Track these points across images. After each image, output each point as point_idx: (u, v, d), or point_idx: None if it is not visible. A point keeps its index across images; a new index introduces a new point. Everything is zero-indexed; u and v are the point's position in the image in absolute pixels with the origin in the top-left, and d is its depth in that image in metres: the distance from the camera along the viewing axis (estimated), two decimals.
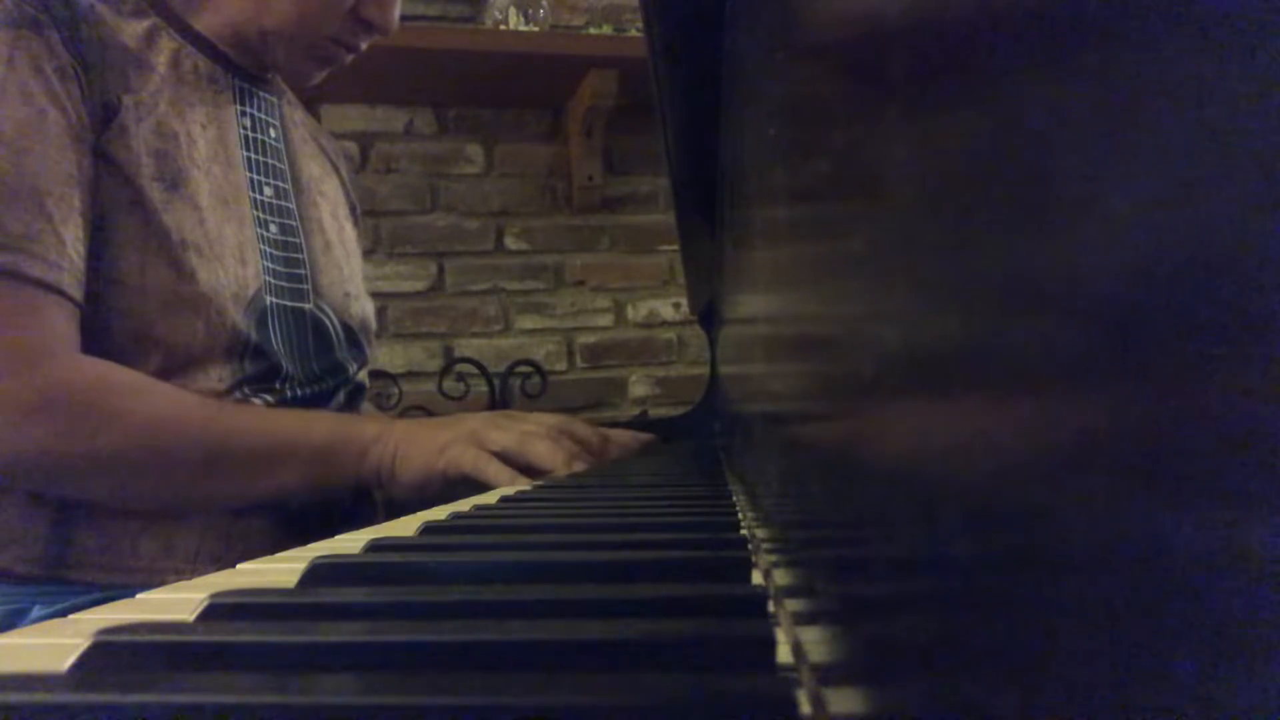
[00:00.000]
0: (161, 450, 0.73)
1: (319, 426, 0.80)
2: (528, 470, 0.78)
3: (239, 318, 0.80)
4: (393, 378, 1.72)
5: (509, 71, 1.64)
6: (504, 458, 0.78)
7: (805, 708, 0.19)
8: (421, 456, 0.79)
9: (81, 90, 0.75)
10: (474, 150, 1.81)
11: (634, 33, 1.75)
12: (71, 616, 0.29)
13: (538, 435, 0.80)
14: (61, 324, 0.72)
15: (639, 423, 1.64)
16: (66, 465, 0.71)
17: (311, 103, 1.61)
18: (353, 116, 1.75)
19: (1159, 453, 0.07)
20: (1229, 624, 0.06)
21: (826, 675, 0.19)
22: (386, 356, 1.72)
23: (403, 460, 0.79)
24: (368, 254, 1.67)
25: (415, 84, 1.68)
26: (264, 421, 0.78)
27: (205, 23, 0.86)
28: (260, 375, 0.82)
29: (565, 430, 0.83)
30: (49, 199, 0.71)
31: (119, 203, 0.76)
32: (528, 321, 1.82)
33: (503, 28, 1.69)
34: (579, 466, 0.80)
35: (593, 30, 1.83)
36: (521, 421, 0.83)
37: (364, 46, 0.91)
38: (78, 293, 0.72)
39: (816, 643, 0.20)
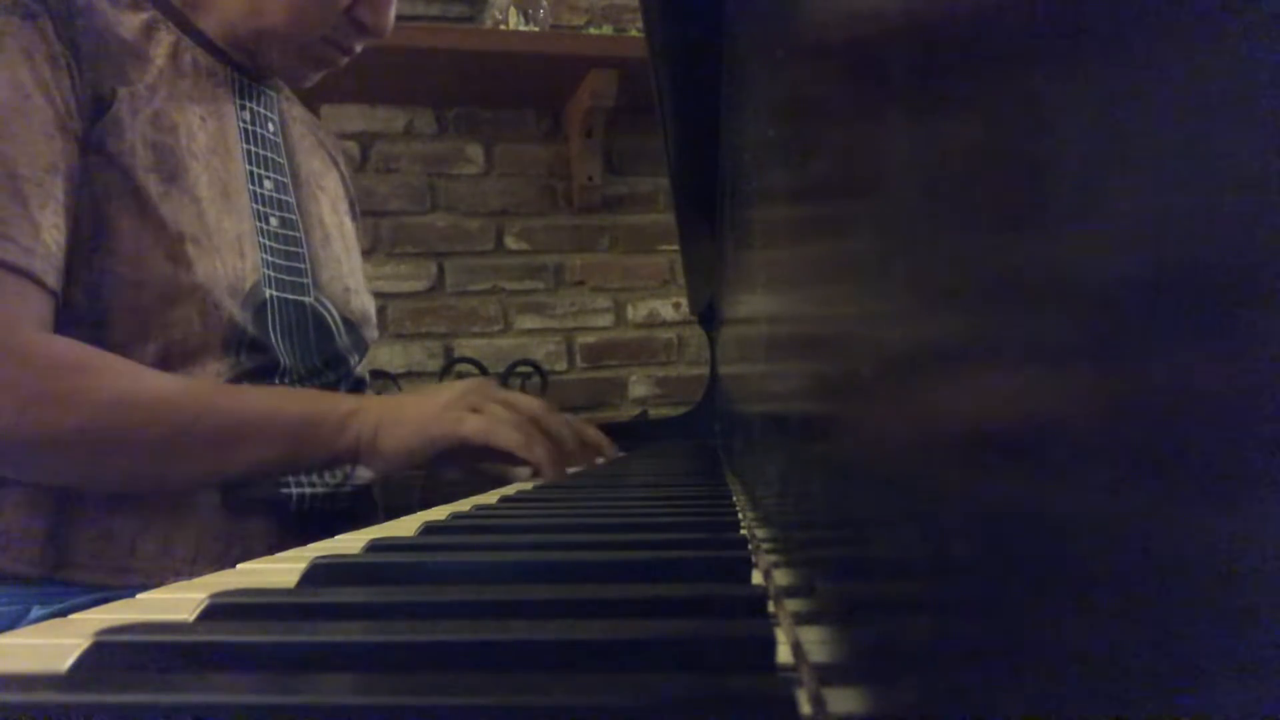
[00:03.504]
0: (125, 428, 0.71)
1: (293, 401, 0.78)
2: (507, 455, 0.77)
3: (235, 310, 0.80)
4: (393, 378, 1.72)
5: (509, 71, 1.64)
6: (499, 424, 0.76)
7: (805, 708, 0.19)
8: (409, 425, 0.77)
9: (73, 81, 0.74)
10: (474, 150, 1.81)
11: (634, 33, 1.75)
12: (71, 616, 0.29)
13: (511, 422, 0.77)
14: (30, 305, 0.70)
15: (639, 423, 1.64)
16: (28, 444, 0.69)
17: (311, 102, 1.61)
18: (353, 116, 1.75)
19: (1159, 451, 0.07)
20: (1230, 624, 0.06)
21: (826, 675, 0.19)
22: (386, 356, 1.72)
23: (386, 432, 0.77)
24: (368, 254, 1.67)
25: (415, 84, 1.68)
26: (236, 398, 0.76)
27: (202, 23, 0.87)
28: (259, 369, 0.82)
29: (538, 420, 0.79)
30: (26, 184, 0.70)
31: (114, 194, 0.75)
32: (528, 321, 1.82)
33: (503, 28, 1.69)
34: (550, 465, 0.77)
35: (593, 30, 1.83)
36: (500, 396, 0.81)
37: (358, 49, 0.91)
38: (52, 279, 0.71)
39: (816, 643, 0.20)
